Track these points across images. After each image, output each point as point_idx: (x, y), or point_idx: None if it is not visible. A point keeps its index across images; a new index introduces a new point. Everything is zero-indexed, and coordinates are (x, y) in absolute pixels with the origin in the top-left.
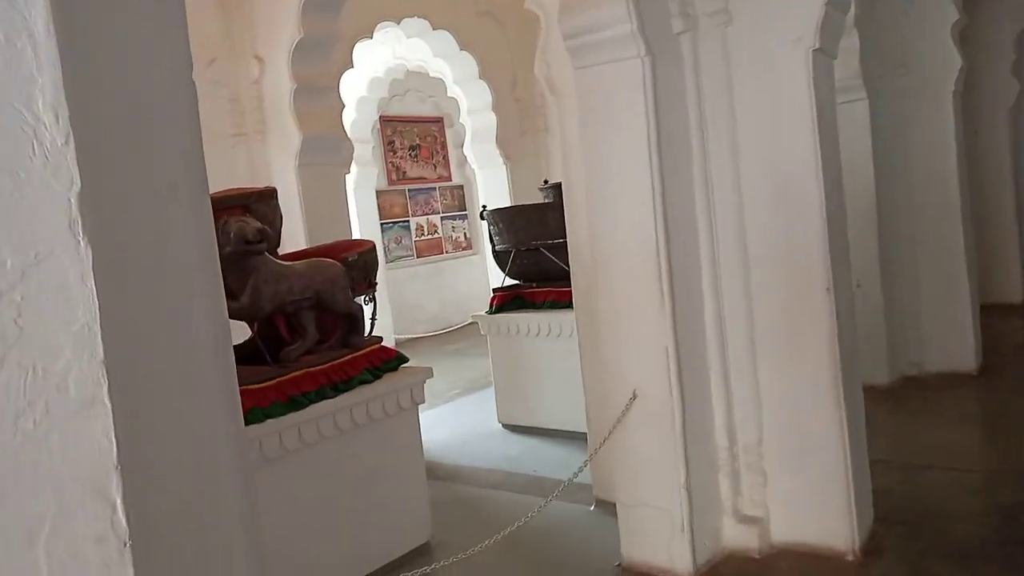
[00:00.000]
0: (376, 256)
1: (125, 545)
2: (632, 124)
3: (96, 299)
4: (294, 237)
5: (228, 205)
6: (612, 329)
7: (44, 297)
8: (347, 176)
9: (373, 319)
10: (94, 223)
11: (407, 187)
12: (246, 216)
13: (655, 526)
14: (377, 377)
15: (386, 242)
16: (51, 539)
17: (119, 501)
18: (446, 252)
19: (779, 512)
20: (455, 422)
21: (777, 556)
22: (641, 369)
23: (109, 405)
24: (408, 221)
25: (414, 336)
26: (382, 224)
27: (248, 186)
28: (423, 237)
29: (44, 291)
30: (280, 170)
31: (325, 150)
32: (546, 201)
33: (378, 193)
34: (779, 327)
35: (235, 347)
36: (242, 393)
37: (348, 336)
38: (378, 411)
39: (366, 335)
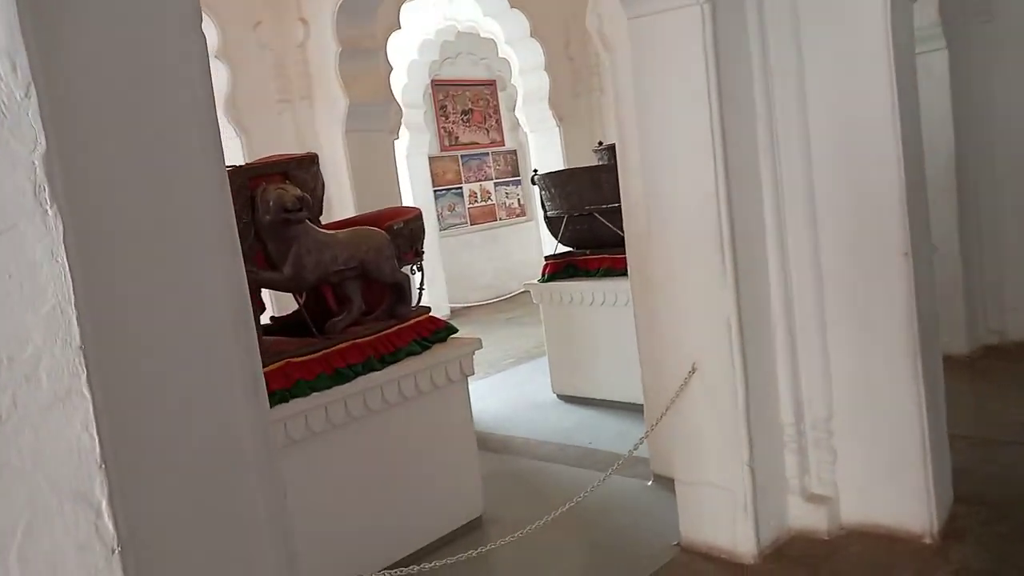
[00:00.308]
0: (423, 224)
1: (113, 552)
2: (690, 77)
3: (69, 277)
4: (342, 205)
5: (267, 173)
6: (668, 298)
7: (5, 276)
8: (398, 142)
9: (421, 289)
10: (68, 189)
11: (460, 153)
12: (285, 183)
13: (716, 506)
14: (425, 348)
15: (439, 210)
16: (24, 548)
17: (104, 504)
18: (500, 219)
19: (850, 491)
20: (508, 393)
21: (847, 538)
22: (700, 341)
23: (89, 397)
24: (461, 188)
25: (468, 304)
26: (435, 191)
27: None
28: (476, 204)
29: (5, 269)
30: (327, 136)
31: (373, 115)
32: (600, 164)
33: (430, 159)
34: (851, 294)
35: (281, 318)
36: (287, 366)
37: (395, 307)
38: (426, 383)
39: (414, 305)
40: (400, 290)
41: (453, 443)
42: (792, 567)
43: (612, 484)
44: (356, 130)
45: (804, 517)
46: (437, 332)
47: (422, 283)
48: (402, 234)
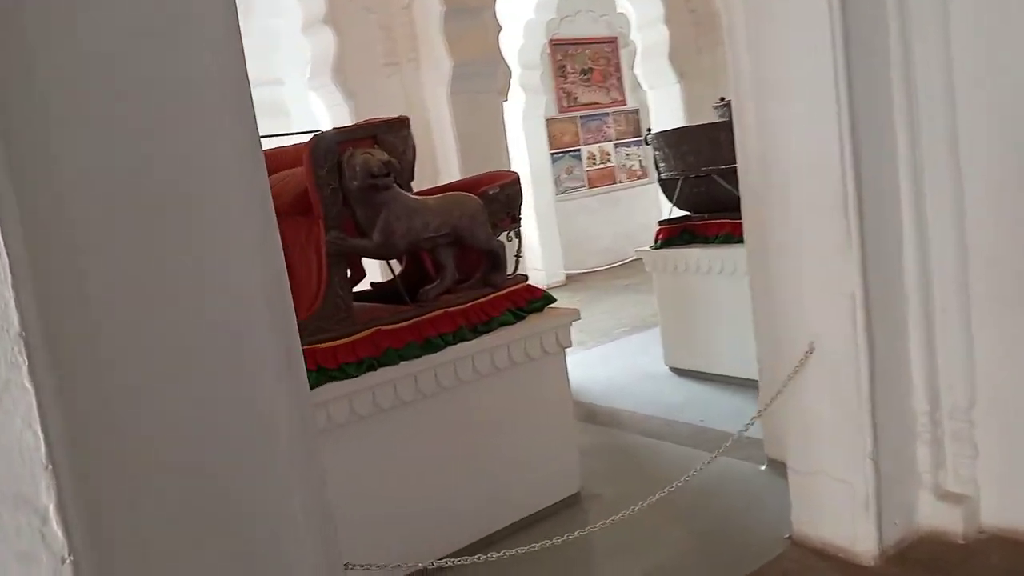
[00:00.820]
0: (520, 189)
1: (63, 562)
2: (811, 20)
3: (4, 252)
4: (448, 169)
5: (355, 137)
6: (785, 267)
7: None
8: (513, 105)
9: (518, 257)
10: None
11: (578, 114)
12: (373, 148)
13: (833, 499)
14: (520, 318)
15: (556, 173)
16: None
17: (52, 509)
18: (619, 182)
19: (992, 491)
20: (619, 363)
21: (987, 543)
22: (820, 317)
23: (32, 390)
24: (579, 150)
25: (584, 271)
26: (552, 154)
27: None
28: (595, 166)
29: None
30: (433, 99)
31: (479, 76)
32: (720, 120)
33: (548, 122)
34: (1002, 266)
35: (381, 284)
36: (377, 333)
37: (489, 275)
38: (520, 355)
39: (510, 273)
40: (495, 258)
41: (548, 417)
42: (919, 572)
43: (722, 466)
44: (462, 92)
45: (936, 517)
46: (533, 302)
47: (519, 250)
48: (498, 200)
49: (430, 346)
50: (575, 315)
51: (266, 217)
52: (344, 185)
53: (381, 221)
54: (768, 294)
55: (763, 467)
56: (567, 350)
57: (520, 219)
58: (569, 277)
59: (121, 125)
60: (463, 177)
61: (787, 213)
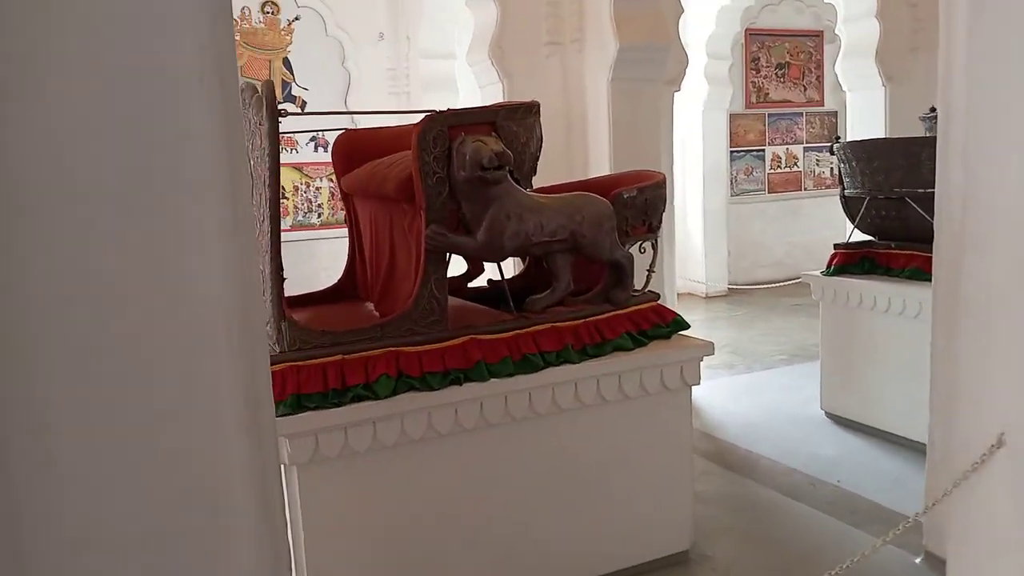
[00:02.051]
0: (663, 194)
1: None
2: None
3: None
4: (598, 163)
5: (470, 122)
6: (978, 329)
7: None
8: (695, 96)
9: (651, 271)
10: None
11: (767, 111)
12: (490, 135)
13: None
14: (640, 344)
15: (734, 173)
16: None
17: None
18: (804, 189)
19: None
20: (766, 397)
21: None
22: (1015, 406)
23: None
24: (763, 151)
25: (750, 285)
26: (731, 152)
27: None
28: (779, 170)
29: None
30: (593, 85)
31: (646, 63)
32: (925, 136)
33: (731, 117)
34: None
35: (492, 283)
36: (470, 343)
37: (611, 290)
38: (634, 387)
39: (638, 290)
40: (619, 270)
41: (661, 461)
42: None
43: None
44: (624, 79)
45: None
46: (659, 326)
47: (652, 264)
48: (633, 204)
49: (527, 364)
50: (707, 349)
51: (236, 218)
52: (451, 175)
53: (488, 219)
54: (951, 358)
55: (918, 560)
56: (696, 381)
57: (659, 228)
58: (732, 290)
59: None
60: (613, 172)
61: (988, 262)
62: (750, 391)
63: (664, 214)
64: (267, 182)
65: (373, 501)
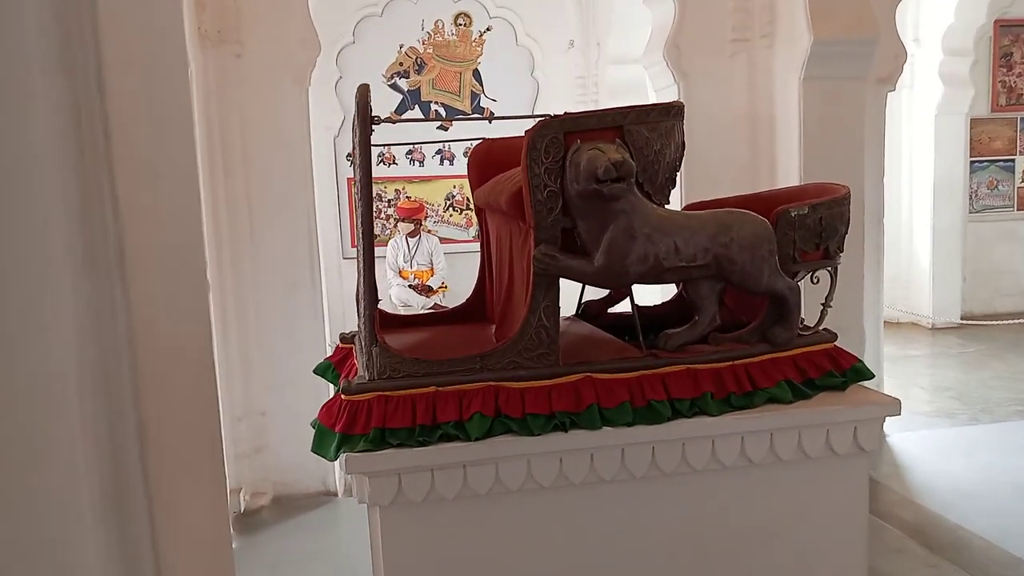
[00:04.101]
0: (843, 212)
1: None
2: None
3: None
4: (787, 172)
5: (593, 127)
6: None
7: None
8: (927, 99)
9: (826, 306)
10: None
11: (1019, 115)
12: (614, 142)
13: None
14: (803, 396)
15: (974, 186)
16: None
17: None
18: None
19: None
20: (991, 459)
21: None
22: None
23: None
24: (1013, 160)
25: (989, 318)
26: (971, 162)
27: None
28: None
29: None
30: (783, 85)
31: (847, 58)
32: None
33: (971, 122)
34: None
35: (640, 309)
36: (585, 381)
37: (771, 327)
38: (790, 448)
39: (807, 328)
40: (781, 304)
41: (823, 546)
42: None
43: None
44: (819, 77)
45: None
46: (831, 375)
47: (829, 297)
48: (804, 224)
49: (652, 414)
50: (893, 407)
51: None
52: (565, 188)
53: (607, 239)
54: None
55: None
56: (876, 446)
57: (838, 254)
58: (964, 322)
59: None
60: (803, 183)
61: None
62: (970, 448)
63: (847, 234)
64: (359, 196)
65: (462, 554)
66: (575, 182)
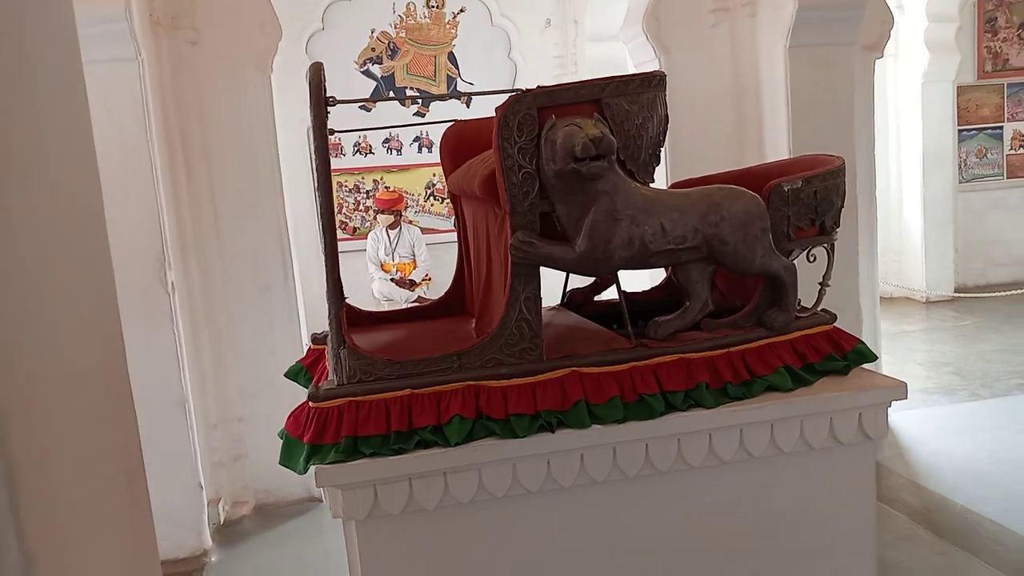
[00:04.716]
0: (838, 184)
1: None
2: None
3: None
4: (775, 146)
5: (568, 101)
6: None
7: None
8: (913, 66)
9: (823, 286)
10: None
11: (1006, 81)
12: (591, 117)
13: None
14: (804, 383)
15: (963, 155)
16: None
17: None
18: None
19: None
20: (996, 436)
21: None
22: None
23: None
24: (1001, 128)
25: (982, 290)
26: (960, 131)
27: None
28: (1021, 150)
29: None
30: (768, 54)
31: (834, 24)
32: None
33: (959, 89)
34: None
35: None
36: (571, 377)
37: (766, 310)
38: (791, 439)
39: (806, 309)
40: (777, 285)
41: (829, 539)
42: None
43: None
44: (804, 44)
45: None
46: (832, 359)
47: (826, 276)
48: (799, 199)
49: (644, 409)
50: (899, 391)
51: None
52: (541, 168)
53: (588, 223)
54: None
55: None
56: (882, 433)
57: (835, 229)
58: (958, 295)
59: None
60: (793, 156)
61: None
62: (974, 427)
63: (843, 208)
64: (317, 184)
65: (446, 567)
66: (551, 162)
